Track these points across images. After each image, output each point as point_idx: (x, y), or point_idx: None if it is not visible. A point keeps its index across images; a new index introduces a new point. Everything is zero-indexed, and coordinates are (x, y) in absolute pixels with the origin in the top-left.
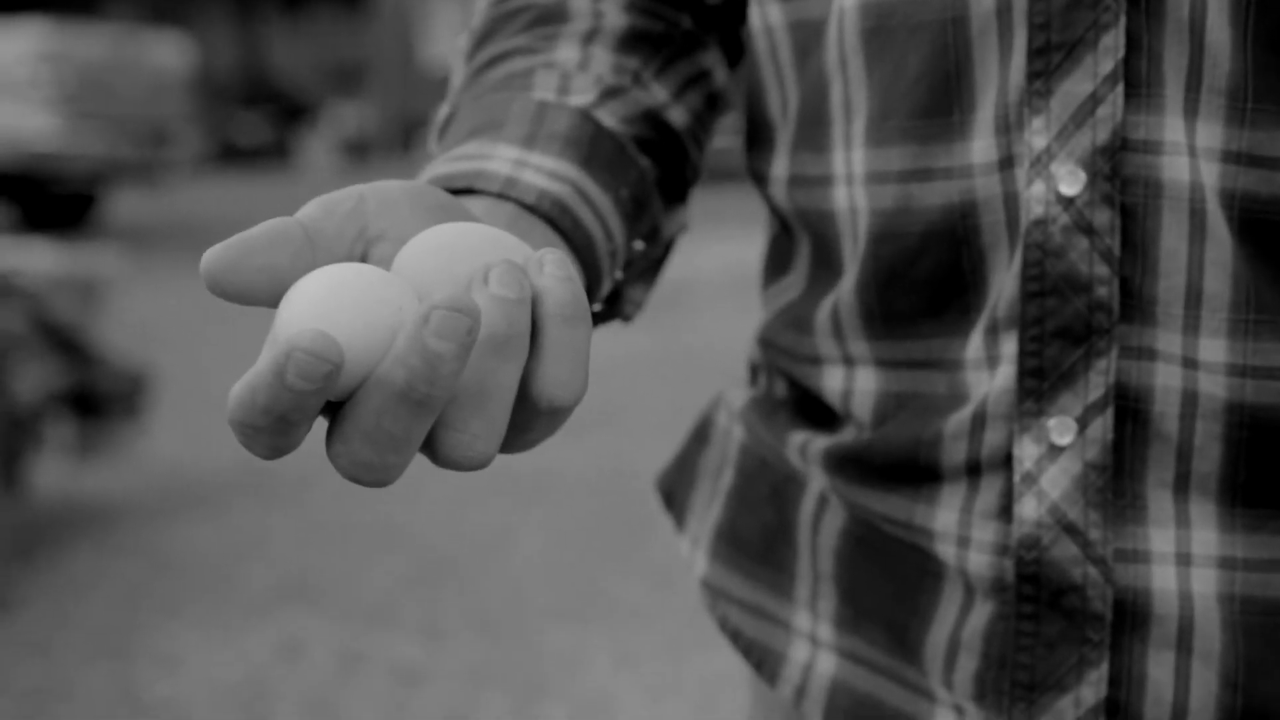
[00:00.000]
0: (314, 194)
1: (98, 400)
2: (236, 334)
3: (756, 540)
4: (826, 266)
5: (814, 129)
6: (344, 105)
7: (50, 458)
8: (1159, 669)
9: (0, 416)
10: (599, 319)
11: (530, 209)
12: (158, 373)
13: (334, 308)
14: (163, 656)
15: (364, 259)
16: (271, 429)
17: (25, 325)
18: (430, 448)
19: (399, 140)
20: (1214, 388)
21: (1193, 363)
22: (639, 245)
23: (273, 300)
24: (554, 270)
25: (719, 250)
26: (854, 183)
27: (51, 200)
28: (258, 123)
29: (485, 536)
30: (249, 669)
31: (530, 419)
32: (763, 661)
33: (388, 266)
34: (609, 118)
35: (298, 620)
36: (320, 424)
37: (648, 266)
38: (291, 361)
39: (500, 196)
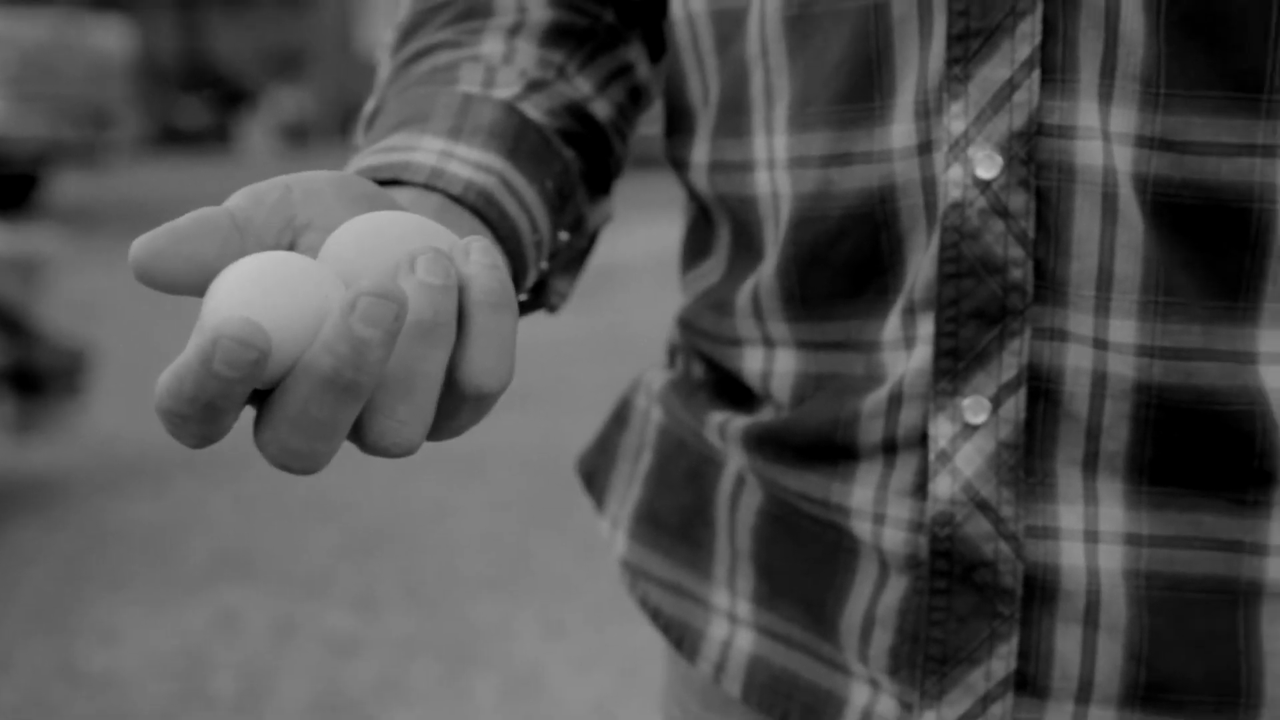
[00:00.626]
0: (254, 177)
1: (38, 377)
2: (175, 314)
3: (675, 520)
4: (747, 250)
5: (735, 116)
6: (283, 90)
7: None
8: (1066, 642)
9: None
10: (525, 309)
11: (456, 200)
12: (98, 351)
13: (260, 295)
14: (102, 629)
15: (291, 248)
16: (199, 417)
17: None
18: (358, 434)
19: (337, 125)
20: (1123, 368)
21: (1103, 343)
22: (564, 236)
23: (200, 289)
24: (479, 258)
25: (643, 235)
26: (775, 168)
27: None
28: (198, 106)
29: (419, 510)
30: (186, 640)
31: (457, 405)
32: (682, 638)
33: (315, 255)
34: (534, 110)
35: (234, 592)
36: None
37: (573, 257)
38: (218, 349)
39: (426, 187)
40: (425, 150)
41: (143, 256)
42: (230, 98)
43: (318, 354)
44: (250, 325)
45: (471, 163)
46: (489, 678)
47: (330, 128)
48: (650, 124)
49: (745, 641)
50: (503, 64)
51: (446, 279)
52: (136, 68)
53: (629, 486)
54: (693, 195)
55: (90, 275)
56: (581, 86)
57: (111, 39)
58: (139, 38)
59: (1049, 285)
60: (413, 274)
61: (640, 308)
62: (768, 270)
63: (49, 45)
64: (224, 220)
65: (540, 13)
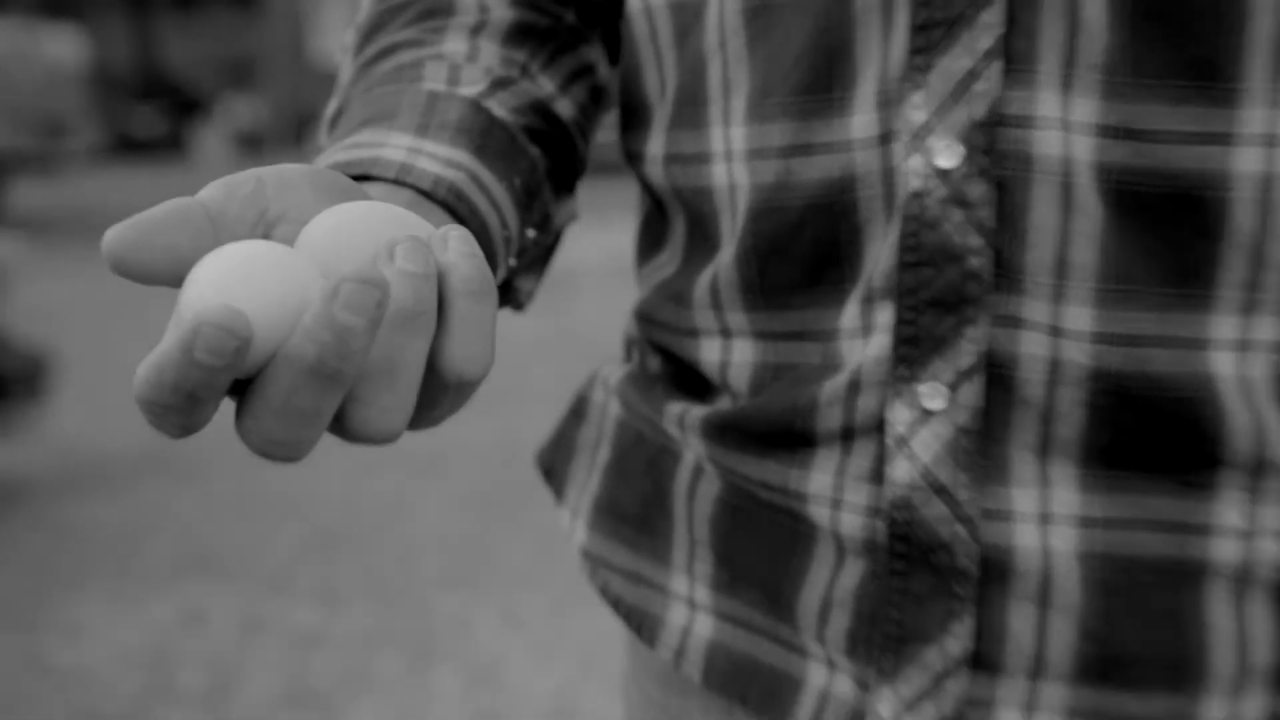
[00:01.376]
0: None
1: (1, 382)
2: (135, 319)
3: (634, 510)
4: (703, 241)
5: (691, 108)
6: (237, 98)
7: None
8: (1020, 621)
9: None
10: None
11: (427, 195)
12: (60, 356)
13: (239, 284)
14: (68, 626)
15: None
16: (180, 407)
17: None
18: (339, 423)
19: (291, 133)
20: (1078, 355)
21: (1058, 331)
22: (531, 234)
23: (174, 280)
24: (458, 246)
25: (601, 239)
26: (733, 159)
27: None
28: (153, 115)
29: (380, 507)
30: (152, 636)
31: (438, 394)
32: (642, 625)
33: (290, 246)
34: (499, 108)
35: (199, 589)
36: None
37: (538, 255)
38: (200, 337)
39: (396, 182)
40: (393, 146)
41: (117, 248)
42: (184, 106)
43: (300, 342)
44: (232, 312)
45: (440, 158)
46: (450, 669)
47: (284, 136)
48: (604, 132)
49: (704, 627)
50: (467, 62)
51: (426, 267)
52: (91, 77)
53: (588, 478)
54: (647, 188)
55: (47, 283)
56: (545, 85)
57: (66, 49)
58: (93, 47)
59: (1007, 274)
60: (392, 262)
61: (595, 310)
62: (725, 261)
63: (4, 55)
64: (197, 211)
65: (502, 12)
